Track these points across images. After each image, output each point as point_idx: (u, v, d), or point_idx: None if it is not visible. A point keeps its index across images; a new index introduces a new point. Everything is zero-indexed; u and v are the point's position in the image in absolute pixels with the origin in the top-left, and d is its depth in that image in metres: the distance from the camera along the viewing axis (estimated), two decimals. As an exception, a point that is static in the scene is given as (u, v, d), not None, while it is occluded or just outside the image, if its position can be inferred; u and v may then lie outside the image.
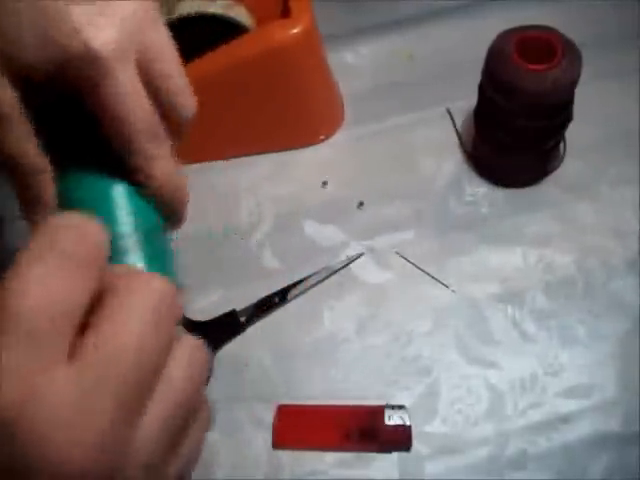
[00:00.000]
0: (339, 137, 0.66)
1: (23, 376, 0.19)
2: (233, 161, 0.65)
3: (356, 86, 0.69)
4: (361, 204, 0.62)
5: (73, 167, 0.32)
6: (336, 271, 0.59)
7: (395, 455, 0.51)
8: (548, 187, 0.62)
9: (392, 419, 0.50)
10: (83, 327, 0.21)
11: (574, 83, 0.55)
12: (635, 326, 0.55)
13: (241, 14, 0.60)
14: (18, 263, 0.20)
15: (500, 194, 0.62)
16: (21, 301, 0.19)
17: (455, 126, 0.66)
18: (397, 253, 0.59)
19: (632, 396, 0.52)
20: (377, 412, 0.50)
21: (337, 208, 0.62)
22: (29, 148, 0.31)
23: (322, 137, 0.66)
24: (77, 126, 0.32)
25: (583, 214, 0.60)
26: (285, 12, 0.59)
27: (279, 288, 0.57)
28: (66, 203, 0.32)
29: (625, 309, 0.56)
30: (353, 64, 0.70)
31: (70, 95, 0.31)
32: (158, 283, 0.22)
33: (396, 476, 0.50)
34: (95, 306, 0.21)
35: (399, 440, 0.51)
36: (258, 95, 0.61)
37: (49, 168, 0.32)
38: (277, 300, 0.57)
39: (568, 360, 0.54)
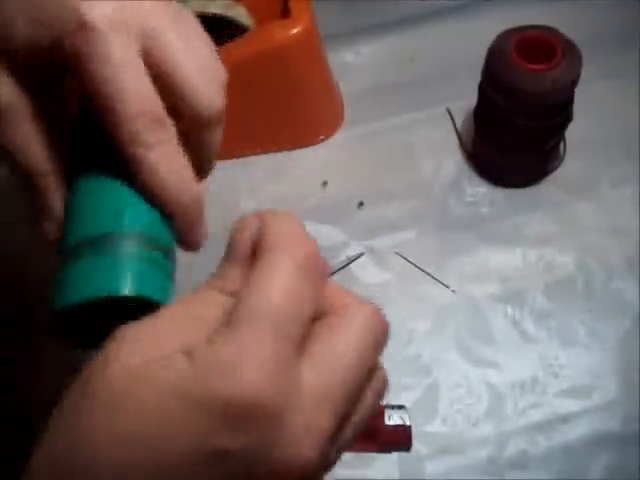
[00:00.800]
0: (339, 137, 0.66)
1: (279, 372, 0.21)
2: (233, 161, 0.65)
3: (356, 86, 0.69)
4: (361, 204, 0.62)
5: (80, 170, 0.30)
6: (336, 271, 0.59)
7: (395, 455, 0.51)
8: (548, 187, 0.62)
9: (392, 419, 0.50)
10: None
11: (574, 83, 0.55)
12: (635, 326, 0.55)
13: (241, 14, 0.60)
14: (263, 266, 0.23)
15: (500, 194, 0.62)
16: (275, 304, 0.22)
17: (455, 126, 0.66)
18: (397, 253, 0.59)
19: (632, 396, 0.52)
20: (377, 412, 0.50)
21: (337, 208, 0.62)
22: (34, 148, 0.29)
23: (322, 137, 0.66)
24: (86, 126, 0.30)
25: (583, 214, 0.60)
26: (285, 12, 0.59)
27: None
28: (70, 207, 0.30)
29: (625, 309, 0.56)
30: (353, 64, 0.70)
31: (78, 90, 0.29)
32: (372, 308, 0.25)
33: (396, 476, 0.50)
34: (320, 312, 0.24)
35: (399, 440, 0.50)
36: (258, 95, 0.61)
37: (56, 170, 0.30)
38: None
39: (568, 360, 0.54)
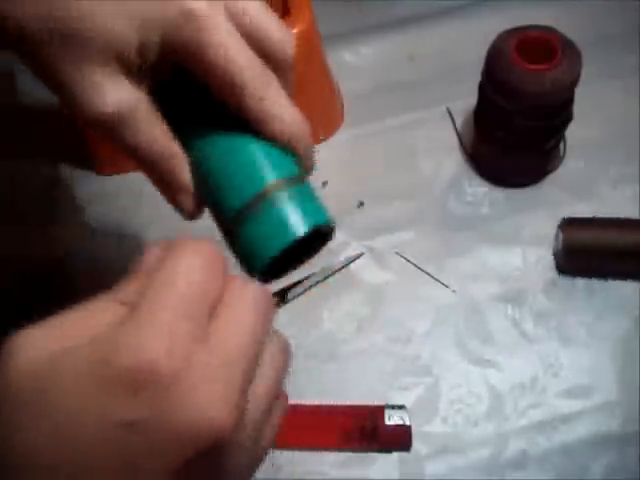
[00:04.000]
0: (339, 137, 0.66)
1: (178, 345, 0.23)
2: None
3: (356, 86, 0.69)
4: (361, 204, 0.62)
5: (199, 140, 0.32)
6: (336, 271, 0.59)
7: (395, 455, 0.51)
8: (548, 187, 0.62)
9: (392, 419, 0.50)
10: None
11: (574, 83, 0.55)
12: (635, 326, 0.55)
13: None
14: (165, 264, 0.25)
15: (500, 194, 0.62)
16: (175, 289, 0.24)
17: (455, 126, 0.66)
18: (397, 253, 0.59)
19: (632, 396, 0.52)
20: (377, 412, 0.50)
21: (337, 208, 0.61)
22: (158, 137, 0.32)
23: (322, 137, 0.66)
24: (194, 99, 0.33)
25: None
26: (285, 12, 0.59)
27: (279, 288, 0.57)
28: (203, 178, 0.32)
29: (625, 309, 0.56)
30: (353, 64, 0.70)
31: (178, 69, 0.31)
32: (263, 290, 0.28)
33: (396, 476, 0.50)
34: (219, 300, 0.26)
35: (399, 440, 0.50)
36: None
37: (180, 150, 0.33)
38: (277, 300, 0.57)
39: (568, 360, 0.54)
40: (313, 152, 0.35)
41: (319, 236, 0.33)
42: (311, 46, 0.60)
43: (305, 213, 0.31)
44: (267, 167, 0.31)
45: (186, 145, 0.33)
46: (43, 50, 0.30)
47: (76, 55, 0.30)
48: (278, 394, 0.29)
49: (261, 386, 0.27)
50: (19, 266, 0.58)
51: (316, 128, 0.66)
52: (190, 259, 0.25)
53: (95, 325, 0.24)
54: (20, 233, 0.61)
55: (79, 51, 0.30)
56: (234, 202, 0.31)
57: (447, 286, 0.57)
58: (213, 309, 0.26)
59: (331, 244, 0.60)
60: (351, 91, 0.68)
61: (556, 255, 0.57)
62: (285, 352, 0.29)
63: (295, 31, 0.57)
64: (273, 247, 0.30)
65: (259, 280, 0.32)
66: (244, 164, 0.31)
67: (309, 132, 0.34)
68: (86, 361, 0.23)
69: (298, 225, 0.31)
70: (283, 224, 0.30)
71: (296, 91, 0.63)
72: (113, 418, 0.22)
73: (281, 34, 0.33)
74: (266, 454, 0.30)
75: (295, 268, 0.34)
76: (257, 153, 0.32)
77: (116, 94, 0.30)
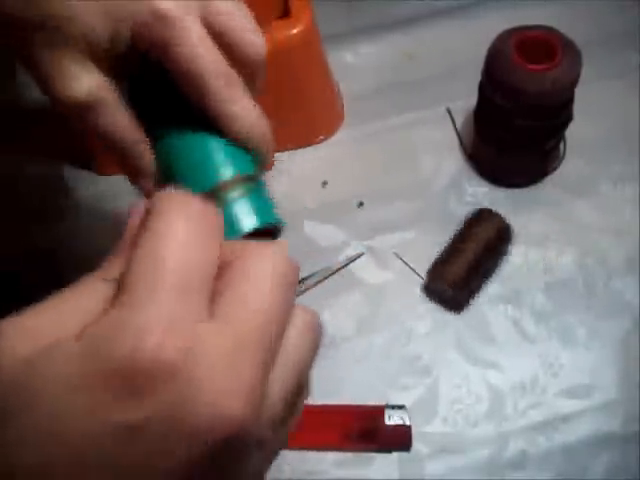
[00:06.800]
0: (339, 137, 0.66)
1: (180, 328, 0.20)
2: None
3: (356, 86, 0.69)
4: (361, 204, 0.62)
5: (165, 131, 0.34)
6: (336, 271, 0.59)
7: (395, 455, 0.51)
8: (548, 187, 0.62)
9: (392, 419, 0.50)
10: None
11: (574, 83, 0.55)
12: (635, 326, 0.55)
13: (241, 14, 0.60)
14: (152, 227, 0.22)
15: (500, 194, 0.62)
16: (170, 260, 0.21)
17: (455, 126, 0.66)
18: (395, 254, 0.59)
19: (632, 396, 0.52)
20: (377, 412, 0.50)
21: (337, 208, 0.62)
22: (125, 123, 0.34)
23: (322, 137, 0.66)
24: (164, 93, 0.34)
25: (583, 214, 0.60)
26: (285, 12, 0.59)
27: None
28: (164, 166, 0.34)
29: (625, 309, 0.56)
30: (353, 64, 0.70)
31: (150, 63, 0.33)
32: (283, 251, 0.24)
33: (396, 476, 0.50)
34: (219, 273, 0.23)
35: (399, 440, 0.51)
36: (257, 95, 0.61)
37: (144, 138, 0.34)
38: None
39: (568, 360, 0.54)
40: (272, 152, 0.36)
41: (268, 236, 0.33)
42: (311, 46, 0.60)
43: (254, 211, 0.32)
44: (223, 164, 0.33)
45: (153, 136, 0.35)
46: (20, 33, 0.32)
47: (53, 42, 0.32)
48: (303, 383, 0.25)
49: (283, 373, 0.23)
50: (19, 265, 0.58)
51: (316, 128, 0.66)
52: (177, 221, 0.22)
53: (84, 309, 0.21)
54: (20, 233, 0.61)
55: (55, 39, 0.31)
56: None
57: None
58: (217, 280, 0.22)
59: (331, 244, 0.61)
60: (351, 91, 0.68)
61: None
62: (313, 330, 0.26)
63: (295, 31, 0.57)
64: None
65: None
66: (201, 159, 0.33)
67: (269, 134, 0.35)
68: (76, 356, 0.20)
69: (245, 222, 0.31)
70: (230, 220, 0.31)
71: (296, 91, 0.63)
72: (112, 419, 0.20)
73: (252, 37, 0.34)
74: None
75: None
76: (215, 150, 0.33)
77: (87, 81, 0.32)
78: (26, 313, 0.22)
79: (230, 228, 0.31)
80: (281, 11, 0.60)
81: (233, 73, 0.33)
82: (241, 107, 0.33)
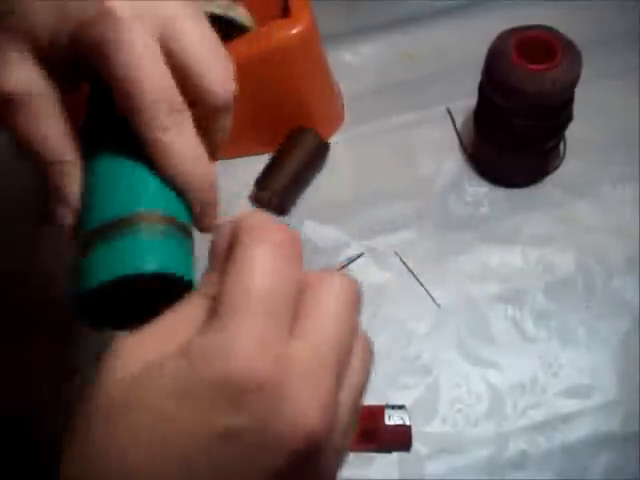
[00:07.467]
0: (339, 137, 0.66)
1: (268, 349, 0.22)
2: (233, 161, 0.65)
3: (356, 86, 0.69)
4: (361, 204, 0.62)
5: (97, 151, 0.30)
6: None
7: (395, 455, 0.51)
8: (548, 187, 0.62)
9: (392, 419, 0.50)
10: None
11: (574, 83, 0.55)
12: (635, 326, 0.55)
13: (241, 14, 0.60)
14: (239, 258, 0.24)
15: (500, 194, 0.62)
16: (258, 289, 0.23)
17: (455, 126, 0.66)
18: (396, 254, 0.59)
19: (632, 396, 0.52)
20: (377, 412, 0.50)
21: (337, 208, 0.62)
22: (52, 133, 0.29)
23: (322, 137, 0.66)
24: (107, 111, 0.31)
25: (583, 214, 0.60)
26: (285, 12, 0.59)
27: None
28: (88, 184, 0.30)
29: (625, 309, 0.56)
30: (353, 64, 0.70)
31: (94, 75, 0.29)
32: (350, 280, 0.27)
33: (396, 476, 0.50)
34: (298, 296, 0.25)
35: (399, 440, 0.50)
36: (258, 95, 0.61)
37: (75, 158, 0.30)
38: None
39: (568, 360, 0.54)
40: (212, 210, 0.31)
41: (174, 291, 0.27)
42: (311, 46, 0.60)
43: (158, 254, 0.27)
44: (145, 196, 0.29)
45: (87, 154, 0.30)
46: None
47: None
48: (362, 394, 0.28)
49: (351, 386, 0.26)
50: (18, 265, 0.58)
51: (316, 128, 0.66)
52: (264, 253, 0.24)
53: (186, 324, 0.24)
54: (20, 232, 0.60)
55: (2, 22, 0.29)
56: (101, 214, 0.28)
57: (434, 300, 0.57)
58: (297, 302, 0.24)
59: (331, 244, 0.61)
60: (351, 91, 0.68)
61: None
62: (370, 351, 0.28)
63: (295, 31, 0.57)
64: (107, 272, 0.27)
65: (79, 310, 0.28)
66: (126, 184, 0.29)
67: (211, 187, 0.30)
68: (182, 370, 0.22)
69: (142, 262, 0.27)
70: (129, 255, 0.27)
71: (296, 91, 0.63)
72: (214, 423, 0.22)
73: (216, 75, 0.30)
74: None
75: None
76: (146, 180, 0.29)
77: (18, 70, 0.29)
78: (134, 332, 0.24)
79: (121, 264, 0.27)
80: (281, 11, 0.60)
81: (179, 101, 0.29)
82: (180, 142, 0.28)
